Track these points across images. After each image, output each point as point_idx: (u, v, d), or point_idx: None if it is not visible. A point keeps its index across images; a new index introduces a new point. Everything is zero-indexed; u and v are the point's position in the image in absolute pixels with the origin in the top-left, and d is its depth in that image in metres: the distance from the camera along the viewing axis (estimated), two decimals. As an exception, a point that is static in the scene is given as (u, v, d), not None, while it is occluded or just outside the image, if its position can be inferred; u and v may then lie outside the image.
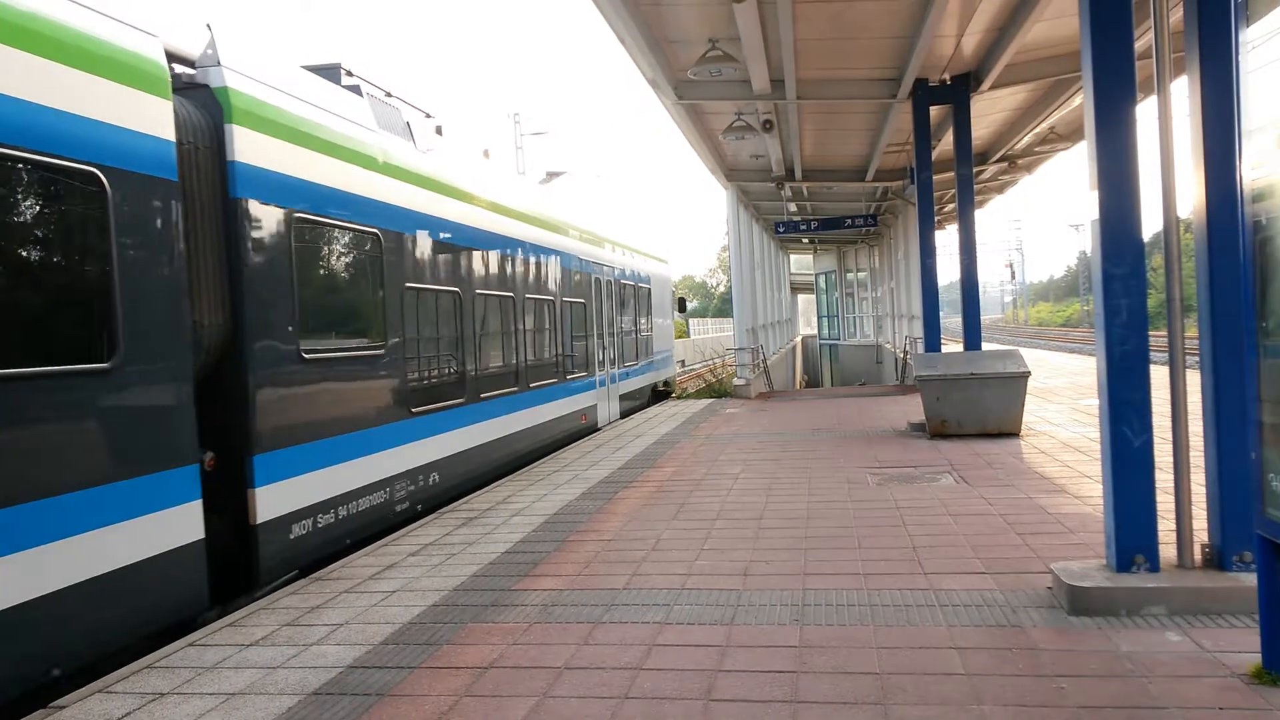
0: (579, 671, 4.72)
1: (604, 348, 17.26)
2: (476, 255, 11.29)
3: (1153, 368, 5.41)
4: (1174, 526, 5.32)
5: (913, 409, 14.32)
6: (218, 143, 6.77)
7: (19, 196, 5.09)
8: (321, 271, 8.25)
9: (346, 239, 8.46)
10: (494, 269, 11.86)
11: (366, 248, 8.69)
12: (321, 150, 7.98)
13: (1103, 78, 5.42)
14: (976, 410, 12.15)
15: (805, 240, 42.14)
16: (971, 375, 12.17)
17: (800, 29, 11.94)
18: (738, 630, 5.21)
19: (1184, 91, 5.27)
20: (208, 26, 6.91)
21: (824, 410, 17.45)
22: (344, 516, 8.05)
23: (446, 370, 10.45)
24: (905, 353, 25.24)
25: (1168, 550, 5.35)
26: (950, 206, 25.72)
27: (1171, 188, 5.18)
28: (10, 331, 4.90)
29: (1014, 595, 5.54)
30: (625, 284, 19.23)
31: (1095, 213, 5.41)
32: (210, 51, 6.89)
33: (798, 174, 22.67)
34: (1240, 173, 4.03)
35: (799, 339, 54.55)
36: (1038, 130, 18.96)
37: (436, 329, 10.12)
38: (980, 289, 16.34)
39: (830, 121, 18.36)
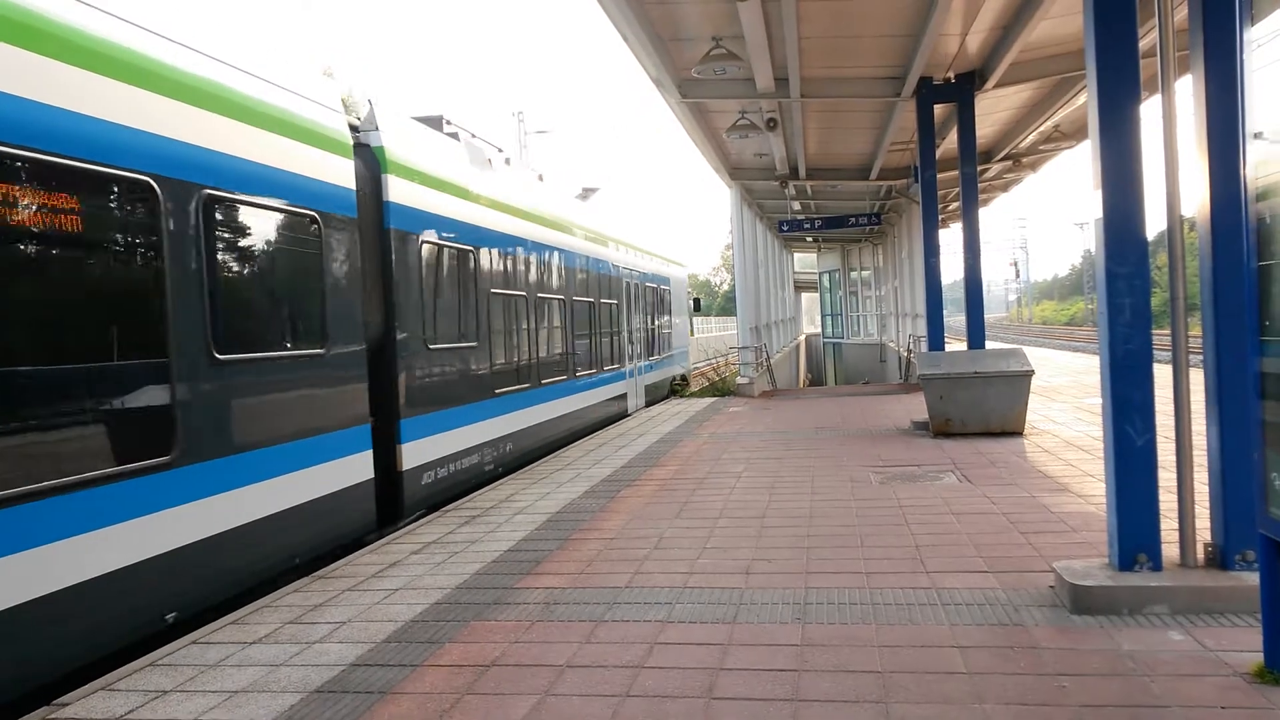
0: (581, 670, 4.72)
1: (632, 344, 19.54)
2: (537, 264, 13.51)
3: (1156, 366, 5.40)
4: (1177, 525, 5.31)
5: (916, 407, 14.30)
6: (377, 188, 9.01)
7: (276, 236, 7.43)
8: (438, 282, 10.29)
9: (453, 255, 10.65)
10: (549, 275, 14.11)
11: (466, 262, 10.95)
12: (437, 188, 10.22)
13: (1107, 76, 5.41)
14: (980, 409, 12.14)
15: (809, 239, 42.10)
16: (975, 374, 12.16)
17: (804, 27, 11.93)
18: (740, 629, 5.21)
19: (1188, 90, 5.26)
20: (369, 101, 9.38)
21: (827, 409, 17.45)
22: (453, 471, 10.25)
23: (518, 360, 12.59)
24: (909, 351, 25.23)
25: (1170, 549, 5.35)
26: (954, 205, 25.70)
27: (1175, 186, 5.17)
28: (270, 325, 7.35)
29: (1016, 594, 5.54)
30: (649, 286, 21.58)
31: (1099, 211, 5.40)
32: (371, 119, 9.17)
33: (802, 172, 22.65)
34: (1244, 171, 4.02)
35: (803, 337, 54.55)
36: (1042, 129, 18.93)
37: (511, 326, 12.34)
38: (984, 287, 16.34)
39: (834, 120, 18.35)
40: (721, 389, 24.31)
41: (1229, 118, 4.61)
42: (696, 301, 31.51)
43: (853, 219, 29.24)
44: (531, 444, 12.84)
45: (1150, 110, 5.52)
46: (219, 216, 6.60)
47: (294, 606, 6.14)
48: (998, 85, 14.31)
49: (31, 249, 5.09)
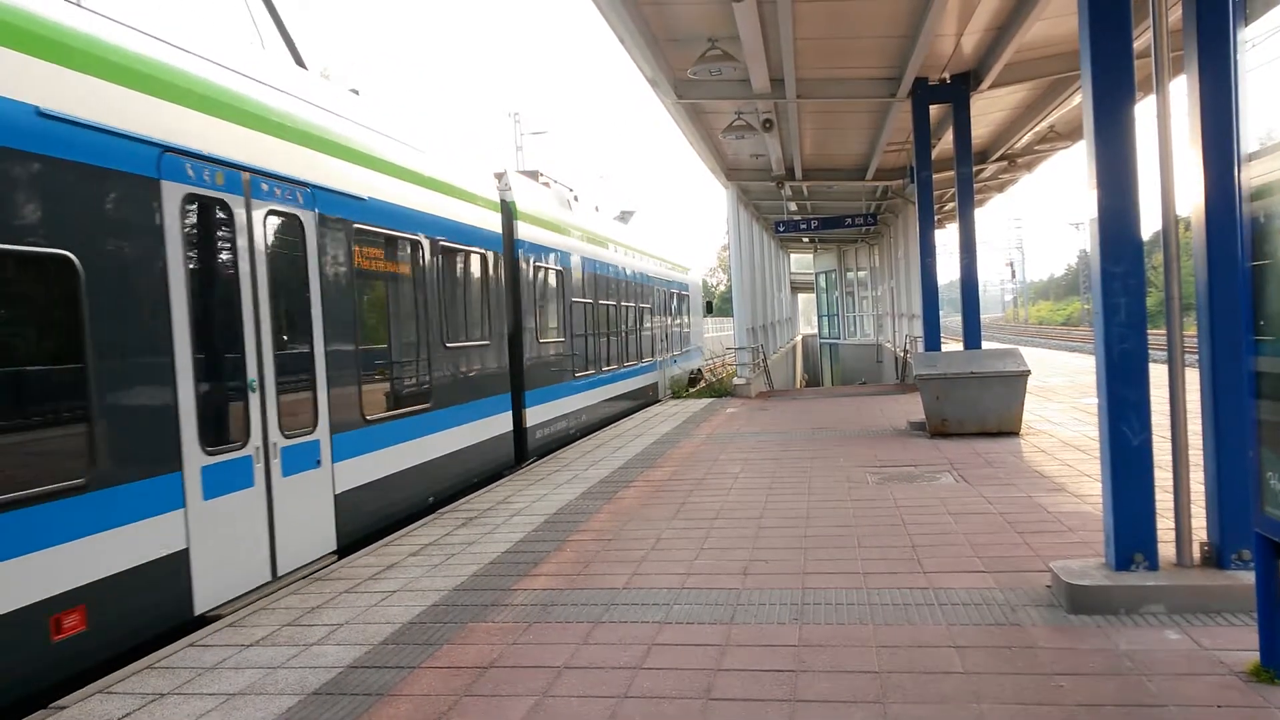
0: (578, 671, 4.73)
1: (663, 341, 23.97)
2: (599, 277, 17.77)
3: (1152, 366, 5.41)
4: (1173, 525, 5.33)
5: (913, 408, 14.32)
6: (510, 229, 12.93)
7: (469, 267, 11.25)
8: (544, 293, 14.41)
9: (552, 274, 14.81)
10: (607, 286, 18.43)
11: (558, 278, 15.09)
12: (541, 225, 14.27)
13: (1102, 77, 5.42)
14: (976, 409, 12.16)
15: (805, 239, 42.15)
16: (971, 374, 12.17)
17: (800, 28, 11.95)
18: (737, 629, 5.21)
19: (1183, 90, 5.27)
20: (505, 173, 13.34)
21: (824, 409, 17.46)
22: (549, 432, 14.10)
23: (588, 353, 16.68)
24: (905, 352, 25.25)
25: (1167, 549, 5.36)
26: (950, 205, 25.72)
27: (1170, 186, 5.18)
28: (466, 325, 11.00)
29: (1013, 594, 5.55)
30: (673, 292, 25.96)
31: (1094, 211, 5.41)
32: (506, 182, 13.13)
33: (798, 173, 22.68)
34: (1239, 171, 4.04)
35: (799, 338, 54.58)
36: (1038, 129, 18.97)
37: (583, 326, 16.45)
38: (980, 288, 16.36)
39: (830, 120, 18.37)
40: (718, 389, 24.34)
41: (1223, 118, 4.63)
42: (709, 304, 35.25)
43: (849, 219, 29.24)
44: (593, 419, 16.77)
45: (1145, 110, 5.53)
46: (443, 259, 10.42)
47: (292, 609, 6.13)
48: (993, 86, 14.34)
49: (406, 285, 9.70)
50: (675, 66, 13.98)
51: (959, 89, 14.69)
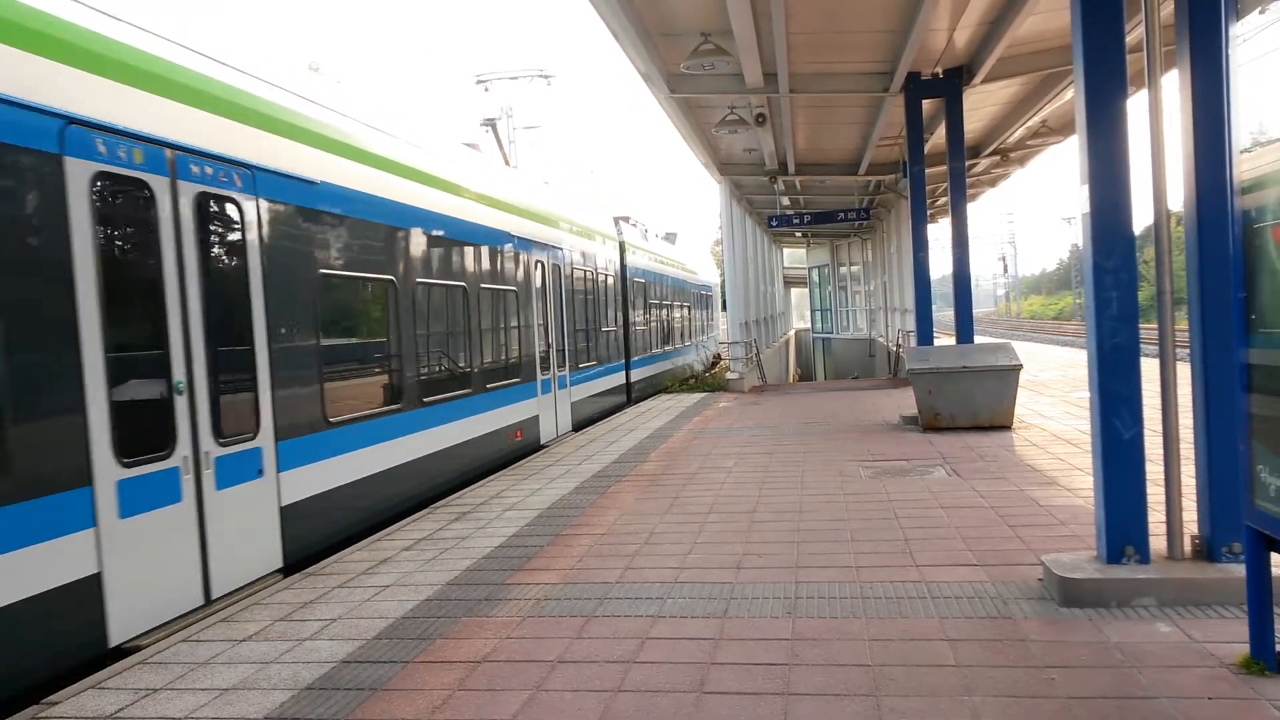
0: (572, 665, 4.73)
1: (698, 328, 31.82)
2: (665, 285, 25.51)
3: (1143, 360, 5.42)
4: (1164, 518, 5.35)
5: (905, 402, 14.35)
6: (623, 258, 20.20)
7: (606, 285, 18.84)
8: (638, 299, 21.63)
9: (642, 285, 21.91)
10: (670, 290, 26.38)
11: (645, 288, 22.30)
12: (636, 252, 21.61)
13: (1094, 71, 5.43)
14: (969, 403, 12.19)
15: (798, 234, 42.09)
16: (964, 368, 12.19)
17: (792, 22, 11.93)
18: (730, 623, 5.22)
19: (1175, 85, 5.28)
20: (617, 219, 21.04)
21: (817, 404, 17.48)
22: (643, 388, 21.35)
23: (662, 335, 24.66)
24: (898, 346, 25.28)
25: (1158, 542, 5.38)
26: (943, 200, 25.74)
27: (1162, 181, 5.19)
28: (599, 323, 18.05)
29: (1005, 587, 5.57)
30: (702, 293, 33.60)
31: (1086, 206, 5.42)
32: (618, 224, 20.75)
33: (791, 168, 22.67)
34: (1230, 165, 4.05)
35: (792, 333, 54.64)
36: (1030, 124, 18.98)
37: (661, 319, 24.56)
38: (973, 282, 16.39)
39: (823, 115, 18.36)
40: (711, 384, 24.36)
41: (1215, 112, 4.64)
42: (724, 301, 41.91)
43: (842, 214, 29.29)
44: (667, 380, 24.63)
45: (1137, 105, 5.54)
46: (595, 275, 17.56)
47: (284, 604, 6.13)
48: (985, 80, 14.34)
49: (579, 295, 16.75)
50: (668, 61, 13.96)
51: (951, 84, 14.69)
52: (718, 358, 35.75)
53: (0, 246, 4.91)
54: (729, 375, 22.37)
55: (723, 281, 34.28)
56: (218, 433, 6.46)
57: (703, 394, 21.40)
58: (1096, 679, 4.20)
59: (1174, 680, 4.13)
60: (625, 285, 20.53)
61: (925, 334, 15.84)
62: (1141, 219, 5.47)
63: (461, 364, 11.01)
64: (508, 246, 12.54)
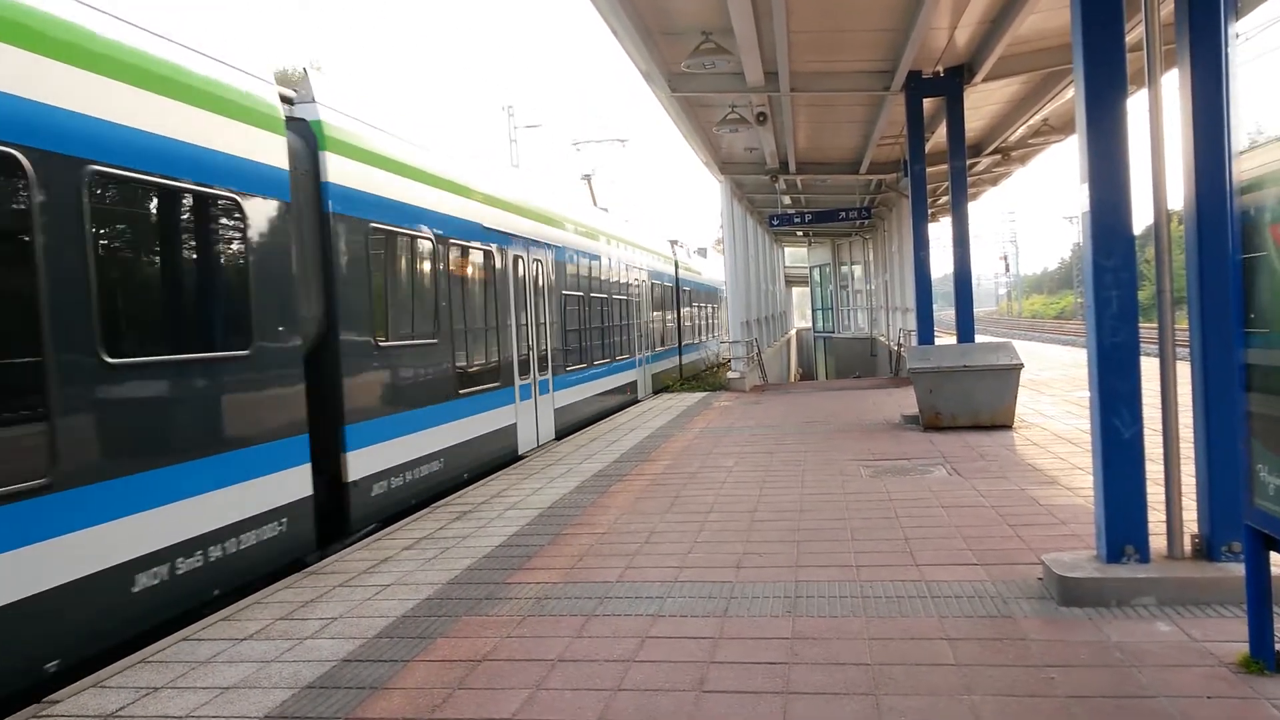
0: (572, 664, 4.74)
1: (713, 326, 34.72)
2: (698, 290, 31.12)
3: (1143, 359, 5.43)
4: (1164, 517, 5.35)
5: (906, 401, 14.35)
6: (677, 273, 28.06)
7: (666, 290, 26.47)
8: (688, 302, 29.44)
9: (690, 292, 29.75)
10: (701, 294, 31.65)
11: (695, 294, 30.70)
12: (686, 268, 29.61)
13: (1094, 71, 5.42)
14: (969, 402, 12.19)
15: (799, 233, 42.08)
16: (964, 368, 12.20)
17: (793, 21, 11.93)
18: (730, 622, 5.23)
19: (1175, 84, 5.28)
20: (671, 242, 28.28)
21: (818, 403, 17.48)
22: (690, 367, 28.84)
23: (689, 330, 28.96)
24: (899, 345, 25.28)
25: (1158, 541, 5.38)
26: (944, 199, 25.73)
27: (1162, 180, 5.19)
28: (665, 320, 25.39)
29: (1005, 586, 5.57)
30: (723, 297, 34.20)
31: (1086, 205, 5.42)
32: (673, 246, 28.43)
33: (792, 167, 22.67)
34: (1230, 165, 4.05)
35: (794, 332, 54.66)
36: (1031, 122, 18.97)
37: (691, 320, 29.72)
38: (974, 281, 16.40)
39: (824, 114, 18.36)
40: (712, 384, 24.36)
41: (1214, 111, 4.64)
42: None
43: (843, 213, 29.29)
44: (693, 370, 28.82)
45: (1138, 104, 5.54)
46: (658, 287, 24.24)
47: (285, 603, 6.13)
48: (986, 79, 14.34)
49: (636, 294, 21.68)
50: (669, 60, 13.97)
51: (952, 82, 14.69)
52: None
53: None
54: (730, 375, 22.37)
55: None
56: (543, 370, 13.75)
57: (704, 393, 21.40)
58: (1096, 678, 4.21)
59: (1173, 679, 4.14)
60: (679, 294, 27.46)
61: (926, 333, 15.84)
62: (1142, 218, 5.48)
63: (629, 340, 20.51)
64: (653, 275, 23.87)
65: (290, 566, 7.19)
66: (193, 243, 6.53)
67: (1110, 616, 4.95)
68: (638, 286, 21.46)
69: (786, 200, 29.32)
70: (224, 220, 6.67)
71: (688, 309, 29.31)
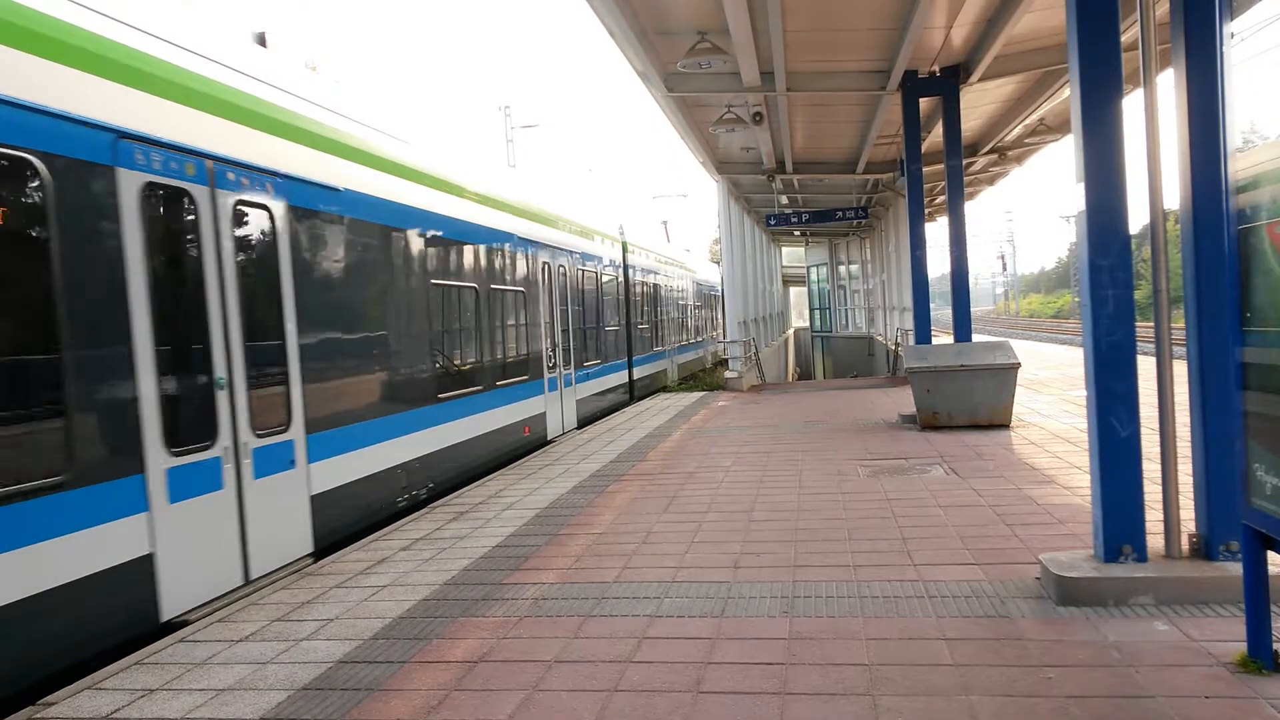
0: (569, 665, 4.73)
1: (712, 325, 36.18)
2: (696, 287, 32.02)
3: (1140, 359, 5.43)
4: (1161, 517, 5.35)
5: (904, 401, 14.35)
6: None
7: (688, 290, 30.40)
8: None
9: (648, 285, 23.74)
10: (701, 291, 33.34)
11: (655, 289, 24.57)
12: (702, 274, 34.41)
13: (1089, 70, 5.42)
14: (967, 402, 12.19)
15: (797, 233, 42.07)
16: (962, 367, 12.19)
17: (789, 20, 11.93)
18: (728, 623, 5.22)
19: (1171, 84, 5.28)
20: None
21: (815, 402, 17.48)
22: (683, 369, 28.30)
23: (676, 332, 27.42)
24: (896, 345, 25.28)
25: (1155, 540, 5.38)
26: (941, 198, 25.76)
27: (1158, 179, 5.19)
28: (697, 318, 32.24)
29: (1003, 586, 5.57)
30: (716, 294, 36.85)
31: (1082, 204, 5.42)
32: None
33: (788, 166, 22.66)
34: (1225, 164, 4.05)
35: (791, 331, 54.70)
36: (1027, 122, 18.98)
37: (674, 317, 27.17)
38: (971, 280, 16.41)
39: (821, 114, 18.35)
40: (710, 383, 24.35)
41: (1210, 111, 4.64)
42: None
43: (840, 213, 29.29)
44: (687, 371, 28.50)
45: (1133, 104, 5.54)
46: (680, 285, 28.95)
47: (281, 604, 6.12)
48: (983, 78, 14.34)
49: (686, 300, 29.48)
50: (665, 60, 13.95)
51: (949, 82, 14.69)
52: None
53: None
54: (727, 374, 22.35)
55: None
56: (567, 364, 15.32)
57: (701, 393, 21.39)
58: (1094, 678, 4.20)
59: (1171, 679, 4.13)
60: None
61: (923, 332, 15.85)
62: (1138, 217, 5.48)
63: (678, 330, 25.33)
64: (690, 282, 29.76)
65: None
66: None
67: (1108, 616, 4.95)
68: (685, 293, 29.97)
69: (784, 200, 29.32)
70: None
71: (710, 308, 36.29)
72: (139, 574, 5.75)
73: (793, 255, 55.13)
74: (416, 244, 9.86)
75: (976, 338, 15.95)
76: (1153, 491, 5.35)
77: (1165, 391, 5.25)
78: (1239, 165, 3.96)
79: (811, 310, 53.63)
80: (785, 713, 4.02)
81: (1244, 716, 3.77)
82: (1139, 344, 5.50)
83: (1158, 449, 5.32)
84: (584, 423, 16.03)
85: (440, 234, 10.46)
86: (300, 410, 7.53)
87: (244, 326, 6.87)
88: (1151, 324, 5.34)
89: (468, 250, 11.36)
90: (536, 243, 14.12)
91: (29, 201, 5.22)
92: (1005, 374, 12.09)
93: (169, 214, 6.33)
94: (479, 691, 4.46)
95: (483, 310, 11.80)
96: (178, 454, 6.11)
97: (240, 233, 7.01)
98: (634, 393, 20.93)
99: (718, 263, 38.33)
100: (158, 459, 5.93)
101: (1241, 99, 3.93)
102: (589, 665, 4.71)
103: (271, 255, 7.36)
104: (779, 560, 6.43)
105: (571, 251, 16.11)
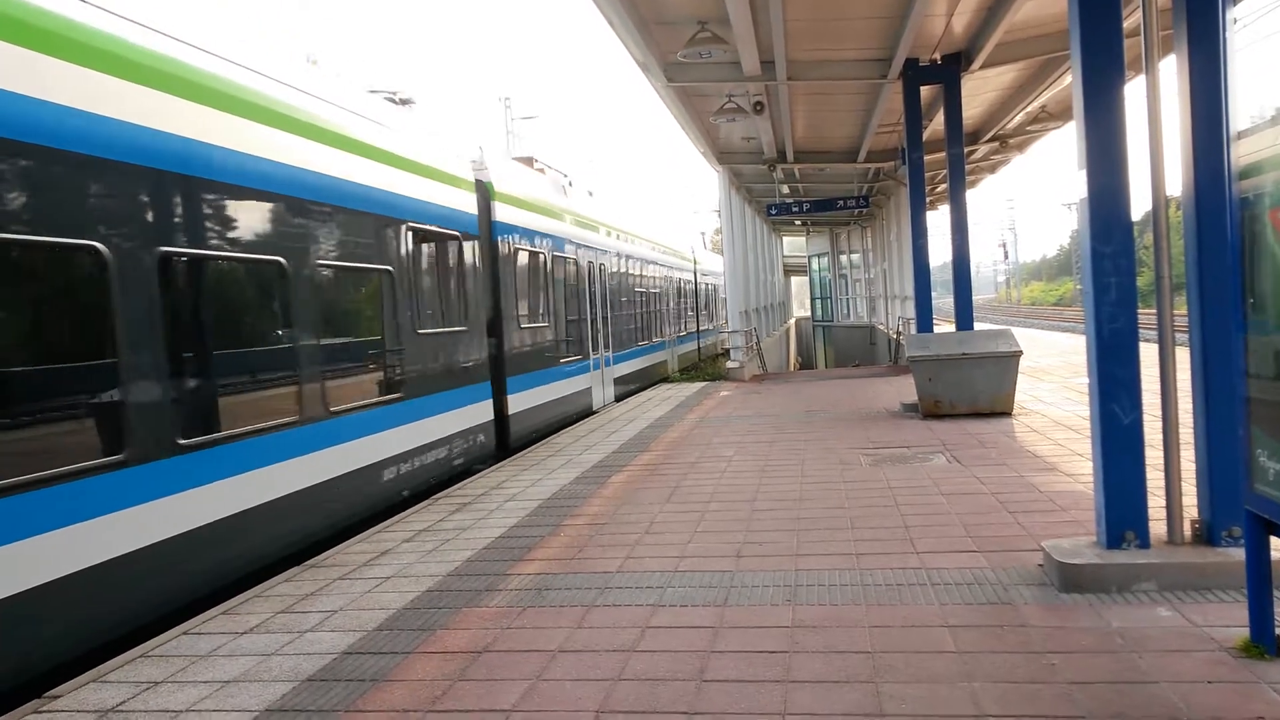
0: (572, 655, 4.74)
1: (713, 317, 36.29)
2: (709, 284, 35.50)
3: (1142, 345, 5.42)
4: (1164, 503, 5.35)
5: (906, 389, 14.34)
6: (695, 265, 32.47)
7: (687, 286, 31.47)
8: (709, 299, 36.01)
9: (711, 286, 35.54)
10: (708, 281, 35.25)
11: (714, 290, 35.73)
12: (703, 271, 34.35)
13: (1091, 56, 5.40)
14: (969, 390, 12.18)
15: (798, 222, 42.10)
16: (964, 355, 12.19)
17: (790, 9, 11.89)
18: (731, 611, 5.23)
19: (1173, 69, 5.26)
20: (699, 237, 35.82)
21: (817, 392, 17.48)
22: (682, 358, 28.38)
23: (706, 316, 34.23)
24: (898, 333, 25.27)
25: (1158, 527, 5.38)
26: (942, 186, 25.70)
27: (1160, 166, 5.17)
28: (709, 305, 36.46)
29: (1005, 573, 5.57)
30: (717, 285, 37.48)
31: (1084, 191, 5.40)
32: (692, 248, 33.18)
33: (789, 156, 22.63)
34: (1228, 150, 4.03)
35: (792, 321, 54.68)
36: (1029, 109, 18.93)
37: (687, 306, 30.30)
38: (973, 269, 16.40)
39: (821, 102, 18.31)
40: (712, 373, 24.35)
41: (1212, 97, 4.61)
42: None
43: (841, 202, 29.24)
44: (691, 362, 29.52)
45: (1135, 90, 5.52)
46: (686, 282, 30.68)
47: (285, 596, 6.14)
48: (984, 66, 14.30)
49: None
50: (665, 50, 13.92)
51: (950, 70, 14.65)
52: None
53: None
54: (729, 364, 22.35)
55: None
56: (607, 348, 18.26)
57: (703, 383, 21.39)
58: (1097, 664, 4.21)
59: (1174, 665, 4.14)
60: (696, 286, 31.99)
61: (925, 321, 15.83)
62: (1140, 204, 5.47)
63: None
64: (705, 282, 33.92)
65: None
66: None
67: (1111, 602, 4.95)
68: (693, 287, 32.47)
69: (785, 189, 29.27)
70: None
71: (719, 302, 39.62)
72: (719, 342, 31.52)
73: (794, 245, 55.10)
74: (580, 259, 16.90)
75: (978, 326, 15.94)
76: (1155, 478, 5.35)
77: (1168, 378, 5.25)
78: (1242, 150, 3.94)
79: (813, 300, 53.62)
80: (788, 701, 4.03)
81: (1246, 701, 3.77)
82: (1141, 330, 5.49)
83: (1160, 435, 5.32)
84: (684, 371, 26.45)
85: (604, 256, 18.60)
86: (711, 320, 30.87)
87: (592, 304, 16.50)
88: (1154, 310, 5.34)
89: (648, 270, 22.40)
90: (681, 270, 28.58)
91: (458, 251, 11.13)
92: (1007, 362, 12.08)
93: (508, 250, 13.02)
94: (483, 681, 4.47)
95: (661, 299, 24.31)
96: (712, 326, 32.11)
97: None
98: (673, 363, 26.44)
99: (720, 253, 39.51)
100: (600, 355, 17.74)
101: (1244, 84, 3.91)
102: (592, 655, 4.72)
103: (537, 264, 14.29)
104: (782, 549, 6.44)
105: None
